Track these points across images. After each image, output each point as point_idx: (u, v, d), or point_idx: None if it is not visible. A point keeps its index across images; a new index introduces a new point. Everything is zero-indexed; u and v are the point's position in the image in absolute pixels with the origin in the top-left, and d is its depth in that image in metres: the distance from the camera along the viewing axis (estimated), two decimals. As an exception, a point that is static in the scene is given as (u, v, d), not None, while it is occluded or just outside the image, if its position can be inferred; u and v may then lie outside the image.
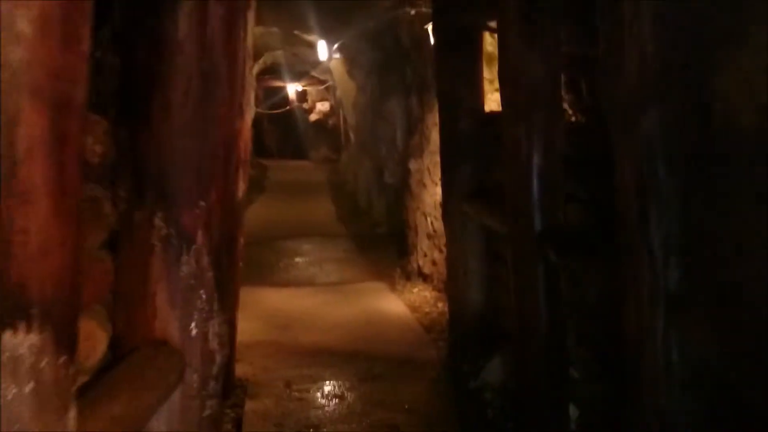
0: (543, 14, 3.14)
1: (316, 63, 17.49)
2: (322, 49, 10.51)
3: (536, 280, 3.28)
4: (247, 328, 5.09)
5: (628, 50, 2.04)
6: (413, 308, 5.90)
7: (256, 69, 16.60)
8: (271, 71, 19.60)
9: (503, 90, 3.53)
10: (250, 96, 13.43)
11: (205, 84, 1.81)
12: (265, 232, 9.21)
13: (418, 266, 6.69)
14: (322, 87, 20.69)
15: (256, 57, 14.93)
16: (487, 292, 4.61)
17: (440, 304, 5.87)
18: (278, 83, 21.01)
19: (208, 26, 1.80)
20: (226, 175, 2.09)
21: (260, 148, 21.88)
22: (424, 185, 6.71)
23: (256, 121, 20.07)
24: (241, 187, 4.09)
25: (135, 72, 1.77)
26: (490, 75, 5.17)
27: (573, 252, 3.11)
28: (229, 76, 1.90)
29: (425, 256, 6.59)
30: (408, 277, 6.83)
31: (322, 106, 22.44)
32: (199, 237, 1.82)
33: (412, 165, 7.02)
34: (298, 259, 7.79)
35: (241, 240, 4.24)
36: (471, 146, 4.60)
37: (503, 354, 4.01)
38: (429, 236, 6.54)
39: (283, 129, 22.52)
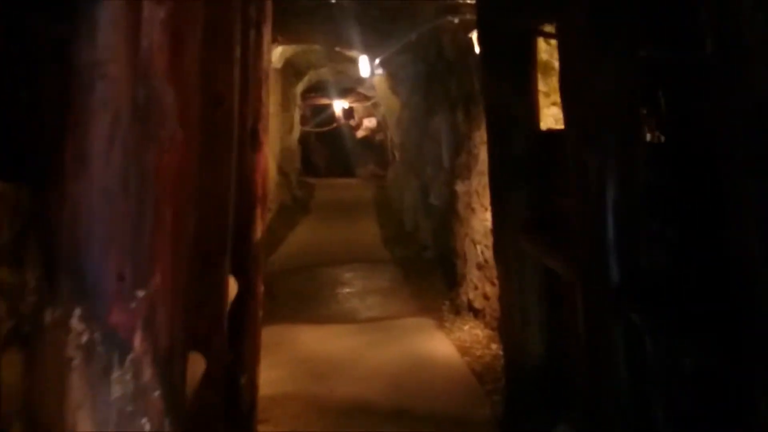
0: (616, 11, 2.51)
1: (361, 79, 17.13)
2: (364, 65, 10.03)
3: (614, 342, 2.62)
4: (275, 377, 4.57)
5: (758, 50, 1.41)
6: (464, 350, 5.26)
7: (300, 87, 16.31)
8: (317, 89, 19.32)
9: (566, 105, 2.90)
10: (294, 115, 12.97)
11: (141, 121, 1.26)
12: (306, 258, 8.74)
13: (468, 300, 6.05)
14: (368, 103, 20.33)
15: (300, 75, 14.60)
16: (550, 342, 3.95)
17: (494, 346, 5.22)
18: (324, 101, 20.72)
19: (144, 38, 1.25)
20: (184, 246, 1.54)
21: (308, 166, 21.64)
22: (473, 209, 6.08)
23: (304, 140, 19.85)
24: (260, 228, 3.56)
25: (38, 108, 1.22)
26: (545, 87, 4.54)
27: (661, 310, 2.45)
28: (182, 106, 1.35)
29: (476, 288, 5.94)
30: (457, 311, 6.19)
31: (369, 123, 22.04)
32: (137, 342, 1.27)
33: (459, 187, 6.41)
34: (339, 290, 7.24)
35: (261, 288, 3.70)
36: (526, 169, 3.96)
37: (570, 422, 3.34)
38: (479, 266, 5.90)
39: (330, 146, 22.20)
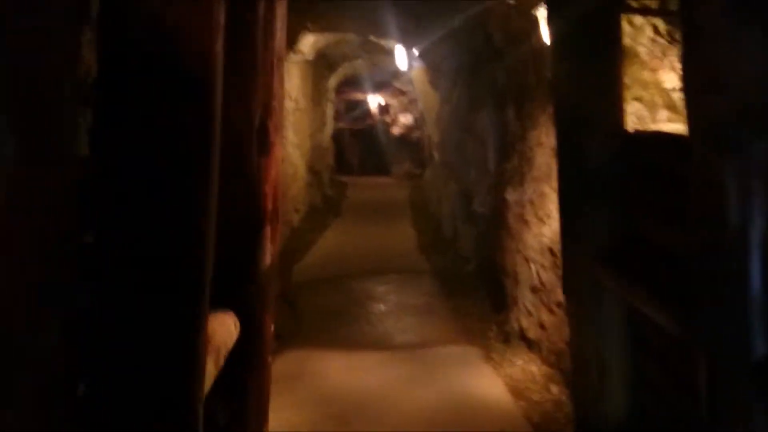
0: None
1: (398, 73, 16.29)
2: (401, 56, 9.23)
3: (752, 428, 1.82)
4: (288, 423, 3.80)
5: None
6: (517, 392, 4.43)
7: (334, 81, 15.55)
8: (351, 83, 18.57)
9: (693, 100, 2.06)
10: (327, 110, 12.16)
11: None
12: (336, 267, 7.98)
13: (521, 328, 5.20)
14: (405, 98, 19.50)
15: (333, 68, 13.82)
16: (634, 402, 3.11)
17: (554, 388, 4.38)
18: (359, 96, 19.97)
19: None
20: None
21: (341, 164, 20.92)
22: (526, 222, 5.23)
23: (337, 136, 19.14)
24: (269, 253, 2.79)
25: None
26: (626, 78, 3.68)
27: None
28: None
29: (529, 315, 5.09)
30: (506, 339, 5.36)
31: (405, 119, 21.21)
32: None
33: (510, 195, 5.55)
34: (370, 307, 6.45)
35: (270, 328, 2.92)
36: (607, 181, 3.12)
37: None
38: (534, 289, 5.05)
39: (364, 143, 21.44)
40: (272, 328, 2.96)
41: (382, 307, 6.44)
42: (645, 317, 2.80)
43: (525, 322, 5.14)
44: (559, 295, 4.69)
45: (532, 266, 5.10)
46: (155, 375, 1.41)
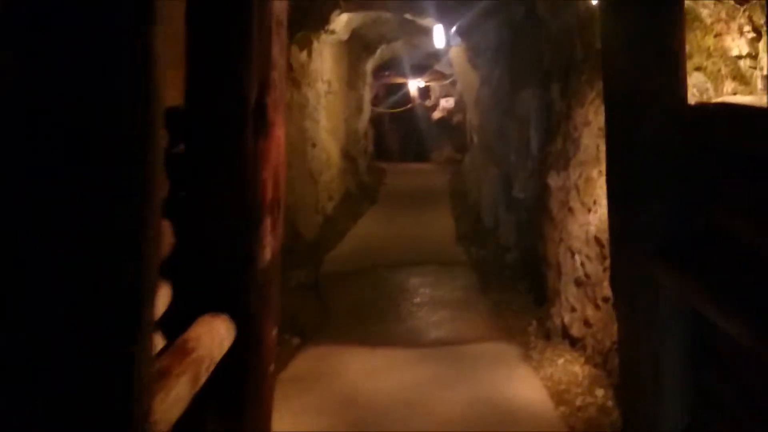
0: None
1: (438, 54, 15.78)
2: (438, 35, 8.78)
3: None
4: (309, 426, 3.49)
5: None
6: (558, 395, 4.01)
7: (371, 65, 15.13)
8: (390, 66, 18.12)
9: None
10: (364, 94, 11.76)
11: None
12: (369, 257, 7.64)
13: (563, 323, 4.77)
14: (446, 82, 18.96)
15: (370, 50, 13.40)
16: (695, 416, 2.68)
17: (599, 392, 3.96)
18: (399, 79, 19.51)
19: None
20: None
21: (380, 150, 20.54)
22: (571, 210, 4.78)
23: (377, 122, 18.74)
24: (271, 247, 2.45)
25: None
26: (687, 45, 3.21)
27: None
28: None
29: (573, 310, 4.66)
30: (547, 335, 4.93)
31: (446, 103, 20.66)
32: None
33: (553, 180, 5.10)
34: (403, 301, 6.09)
35: (272, 333, 2.58)
36: (667, 163, 2.67)
37: None
38: (578, 283, 4.60)
39: (404, 129, 20.98)
40: (275, 332, 2.62)
41: (415, 300, 6.06)
42: (711, 322, 2.36)
43: (568, 318, 4.71)
44: (606, 290, 4.24)
45: (577, 257, 4.65)
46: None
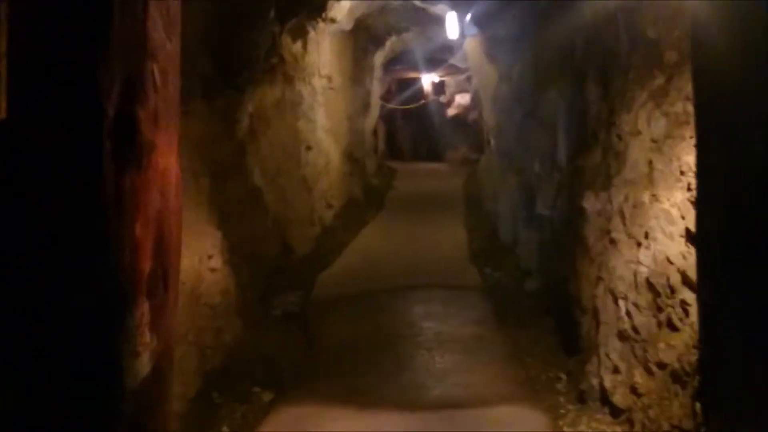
0: None
1: (452, 47, 14.71)
2: (452, 24, 7.76)
3: None
4: None
5: None
6: (599, 498, 3.01)
7: (381, 58, 14.08)
8: (403, 60, 17.07)
9: None
10: (372, 90, 10.76)
11: None
12: (367, 277, 6.68)
13: (602, 387, 3.75)
14: (462, 76, 17.87)
15: (379, 41, 12.34)
16: None
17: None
18: (411, 74, 18.45)
19: None
20: None
21: (392, 148, 19.53)
22: (614, 242, 3.76)
23: (388, 119, 17.70)
24: (154, 348, 1.45)
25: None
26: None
27: None
28: None
29: (615, 371, 3.64)
30: (581, 399, 3.92)
31: (462, 99, 19.57)
32: None
33: (590, 202, 4.07)
34: (402, 338, 5.10)
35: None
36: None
37: None
38: (624, 337, 3.59)
39: (417, 126, 19.95)
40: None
41: (418, 339, 5.06)
42: None
43: (609, 381, 3.69)
44: (663, 352, 3.24)
45: (621, 304, 3.63)
46: None
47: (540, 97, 5.91)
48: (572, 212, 4.54)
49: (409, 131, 20.16)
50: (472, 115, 18.51)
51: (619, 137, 3.79)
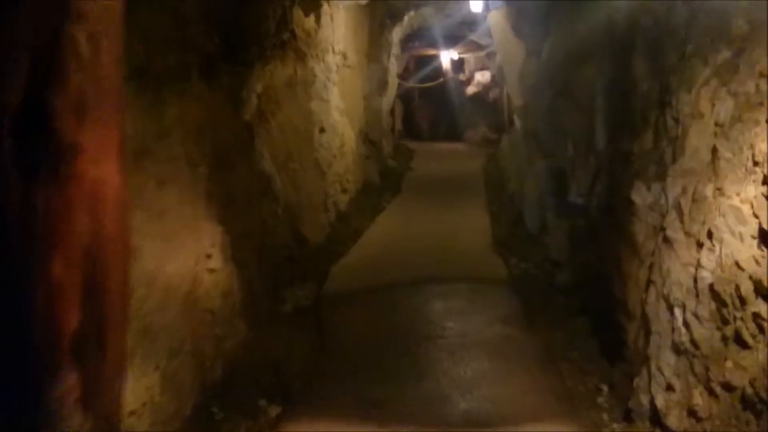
0: None
1: (474, 23, 14.10)
2: (475, -4, 7.22)
3: None
4: None
5: None
6: None
7: (399, 34, 13.51)
8: (421, 36, 16.47)
9: None
10: (389, 68, 10.26)
11: None
12: (384, 269, 6.26)
13: (653, 405, 3.30)
14: (482, 53, 17.22)
15: (396, 17, 11.78)
16: None
17: None
18: (430, 51, 17.85)
19: None
20: None
21: (409, 128, 18.99)
22: (668, 241, 3.27)
23: (405, 98, 17.15)
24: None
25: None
26: None
27: None
28: None
29: (669, 389, 3.18)
30: (628, 418, 3.47)
31: (482, 77, 18.92)
32: None
33: (640, 195, 3.58)
34: (422, 340, 4.67)
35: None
36: None
37: None
38: (680, 350, 3.13)
39: (435, 105, 19.35)
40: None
41: (440, 341, 4.63)
42: None
43: (662, 399, 3.23)
44: (730, 372, 2.78)
45: (678, 313, 3.16)
46: None
47: (574, 75, 5.39)
48: (615, 203, 4.05)
49: (428, 110, 19.58)
50: (493, 94, 17.91)
51: (676, 120, 3.29)
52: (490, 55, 14.92)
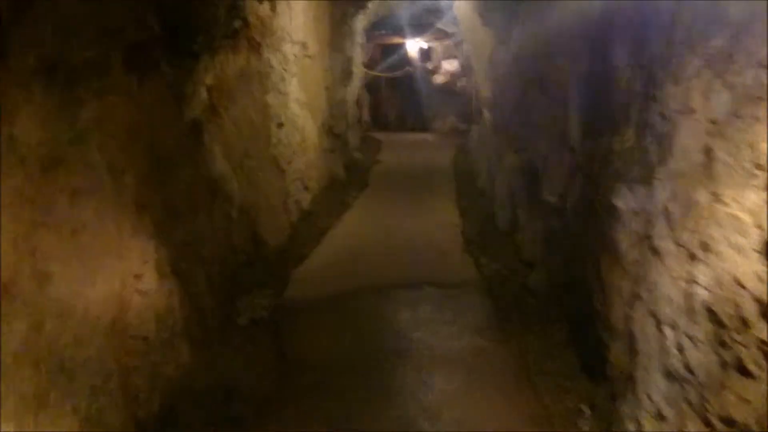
0: None
1: (440, 10, 13.71)
2: (441, -19, 6.82)
3: None
4: None
5: None
6: None
7: (363, 22, 13.05)
8: (387, 25, 16.04)
9: None
10: (353, 57, 9.78)
11: None
12: (349, 272, 5.90)
13: (641, 433, 2.98)
14: (450, 42, 16.86)
15: (360, 4, 11.31)
16: None
17: None
18: (396, 39, 17.43)
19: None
20: None
21: (376, 118, 18.60)
22: (657, 251, 2.94)
23: (372, 87, 16.71)
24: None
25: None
26: None
27: None
28: None
29: (661, 418, 2.86)
30: (612, 444, 3.15)
31: (450, 66, 18.58)
32: None
33: (624, 199, 3.24)
34: (390, 355, 4.30)
35: None
36: None
37: None
38: (672, 376, 2.80)
39: (403, 94, 18.95)
40: None
41: (409, 354, 4.27)
42: None
43: (651, 428, 2.91)
44: (733, 405, 2.46)
45: (669, 333, 2.84)
46: None
47: (546, 65, 5.04)
48: (594, 205, 3.71)
49: (395, 100, 19.20)
50: (461, 83, 17.59)
51: (663, 116, 2.95)
52: (458, 44, 14.57)
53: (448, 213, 7.95)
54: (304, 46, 7.50)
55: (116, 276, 2.86)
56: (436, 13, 13.91)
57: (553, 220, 5.05)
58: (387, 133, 17.05)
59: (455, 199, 8.74)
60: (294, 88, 7.11)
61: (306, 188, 7.63)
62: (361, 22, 11.88)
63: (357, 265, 6.08)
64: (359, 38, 12.01)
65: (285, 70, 6.73)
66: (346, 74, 10.57)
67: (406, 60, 17.63)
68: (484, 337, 4.50)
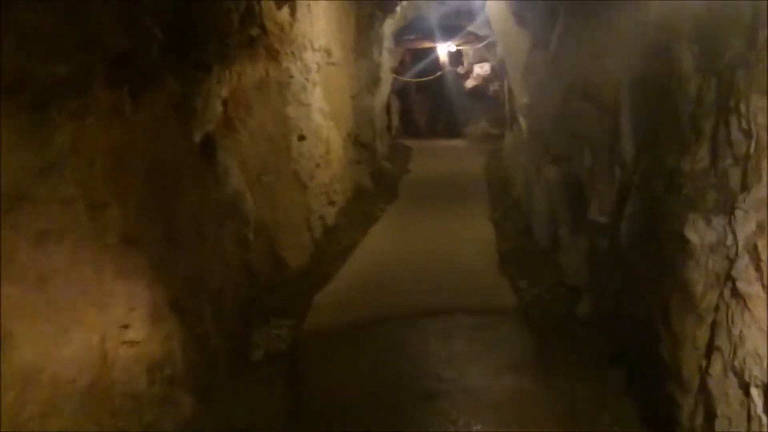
0: None
1: (472, 12, 13.20)
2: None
3: None
4: None
5: None
6: None
7: (392, 26, 12.62)
8: (416, 30, 15.59)
9: None
10: (381, 63, 9.20)
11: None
12: (375, 297, 5.47)
13: None
14: (481, 45, 16.32)
15: (387, 8, 10.87)
16: None
17: None
18: (426, 44, 16.94)
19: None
20: None
21: (407, 125, 18.17)
22: (740, 295, 2.41)
23: (402, 93, 16.26)
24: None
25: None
26: None
27: None
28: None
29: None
30: None
31: (481, 69, 18.02)
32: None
33: (696, 231, 2.71)
34: (419, 399, 3.82)
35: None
36: None
37: None
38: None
39: (433, 100, 18.44)
40: None
41: (438, 402, 3.77)
42: None
43: None
44: None
45: (756, 395, 2.32)
46: None
47: (592, 69, 4.53)
48: (653, 231, 3.19)
49: (425, 106, 18.72)
50: (493, 87, 17.06)
51: (746, 132, 2.44)
52: (490, 46, 14.04)
53: (482, 226, 7.44)
54: (327, 53, 7.08)
55: (95, 329, 2.46)
56: (467, 15, 13.42)
57: (601, 241, 4.54)
58: (417, 140, 16.60)
59: (488, 210, 8.23)
60: (317, 98, 6.70)
61: (331, 203, 7.21)
62: (389, 27, 11.47)
63: (384, 289, 5.62)
64: (387, 43, 11.59)
65: (307, 79, 6.32)
66: (374, 81, 10.14)
67: (436, 64, 17.12)
68: (526, 378, 3.99)
